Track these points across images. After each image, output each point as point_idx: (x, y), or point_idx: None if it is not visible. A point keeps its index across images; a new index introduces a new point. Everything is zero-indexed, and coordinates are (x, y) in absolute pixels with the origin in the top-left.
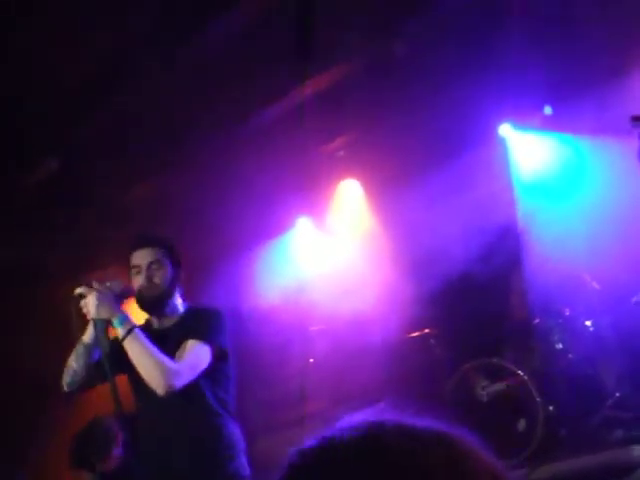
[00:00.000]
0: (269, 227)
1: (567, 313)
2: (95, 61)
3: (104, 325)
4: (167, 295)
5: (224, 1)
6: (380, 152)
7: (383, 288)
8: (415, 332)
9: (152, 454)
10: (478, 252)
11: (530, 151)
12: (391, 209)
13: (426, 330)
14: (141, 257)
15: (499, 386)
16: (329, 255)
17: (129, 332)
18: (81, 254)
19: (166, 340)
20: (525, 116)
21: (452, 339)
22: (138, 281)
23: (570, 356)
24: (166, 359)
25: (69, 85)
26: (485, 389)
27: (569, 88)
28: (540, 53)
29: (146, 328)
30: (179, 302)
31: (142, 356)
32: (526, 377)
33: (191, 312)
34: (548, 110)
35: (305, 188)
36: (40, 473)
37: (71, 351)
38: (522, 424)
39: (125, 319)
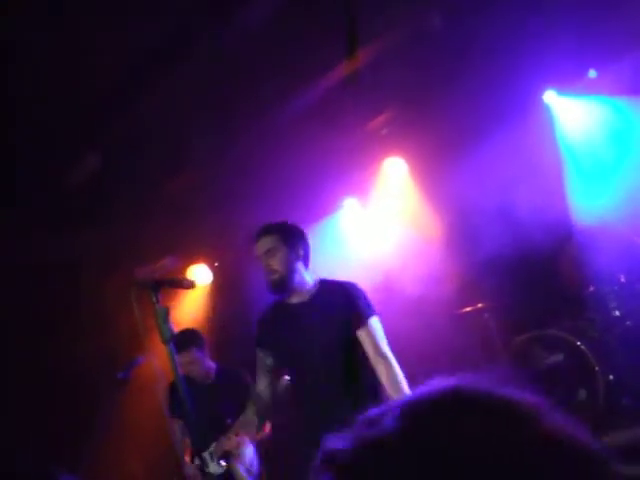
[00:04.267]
0: (316, 209)
1: (622, 279)
2: (135, 48)
3: (165, 313)
4: (288, 276)
5: None
6: (423, 127)
7: (433, 264)
8: (468, 307)
9: (316, 417)
10: (527, 223)
11: (576, 116)
12: (437, 184)
13: (479, 304)
14: (258, 248)
15: (556, 357)
16: (377, 234)
17: None
18: (123, 246)
19: (304, 314)
20: (569, 81)
21: (506, 312)
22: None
23: (628, 323)
24: (396, 382)
25: (110, 73)
26: (542, 361)
27: (614, 49)
28: (582, 14)
29: (282, 307)
30: (308, 276)
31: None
32: (584, 347)
33: (328, 286)
34: (593, 73)
35: (350, 168)
36: (93, 470)
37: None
38: (582, 394)
39: None
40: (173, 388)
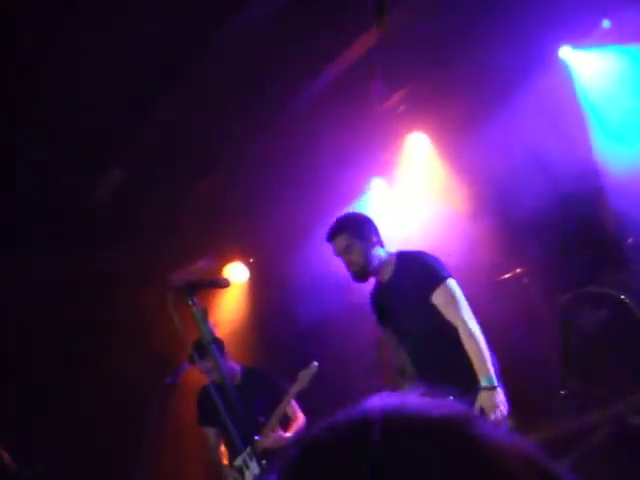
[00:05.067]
0: (345, 193)
1: None
2: (149, 52)
3: (203, 315)
4: (368, 262)
5: None
6: (442, 98)
7: (466, 236)
8: (507, 274)
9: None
10: (557, 181)
11: (594, 68)
12: (462, 154)
13: (517, 270)
14: (335, 248)
15: (603, 313)
16: (407, 211)
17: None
18: (157, 252)
19: (394, 288)
20: (583, 34)
21: (546, 274)
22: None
23: None
24: (476, 342)
25: (126, 81)
26: (588, 319)
27: None
28: None
29: (377, 288)
30: (383, 254)
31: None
32: (628, 300)
33: (403, 259)
34: (607, 23)
35: (373, 149)
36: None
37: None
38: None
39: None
40: (201, 397)
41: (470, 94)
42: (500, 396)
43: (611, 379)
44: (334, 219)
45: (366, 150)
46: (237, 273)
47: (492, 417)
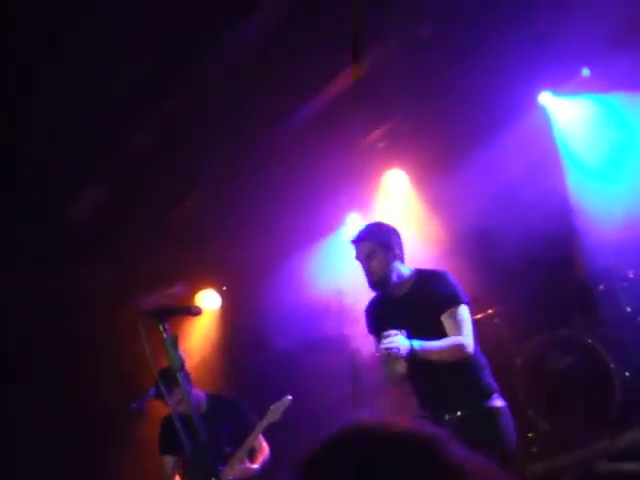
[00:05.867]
0: (320, 227)
1: (631, 275)
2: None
3: (173, 342)
4: (387, 274)
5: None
6: (421, 137)
7: None
8: (478, 314)
9: (432, 401)
10: (531, 225)
11: (572, 116)
12: (439, 193)
13: (489, 310)
14: (358, 253)
15: (571, 357)
16: None
17: (414, 353)
18: (131, 275)
19: (404, 305)
20: (563, 81)
21: (517, 316)
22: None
23: None
24: (453, 344)
25: (110, 100)
26: (557, 362)
27: (605, 46)
28: (571, 14)
29: (386, 300)
30: (403, 269)
31: (441, 356)
32: (597, 345)
33: (422, 277)
34: (586, 72)
35: (351, 184)
36: None
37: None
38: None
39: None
40: (165, 424)
41: (450, 134)
42: (406, 349)
43: (578, 424)
44: (365, 224)
45: (344, 185)
46: (209, 300)
47: (391, 343)
